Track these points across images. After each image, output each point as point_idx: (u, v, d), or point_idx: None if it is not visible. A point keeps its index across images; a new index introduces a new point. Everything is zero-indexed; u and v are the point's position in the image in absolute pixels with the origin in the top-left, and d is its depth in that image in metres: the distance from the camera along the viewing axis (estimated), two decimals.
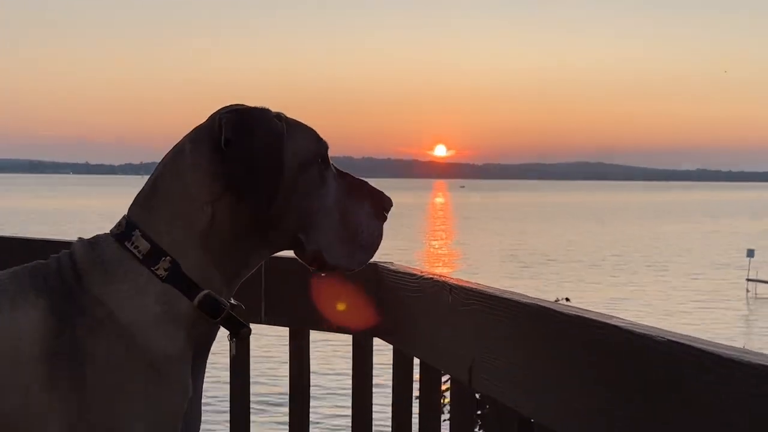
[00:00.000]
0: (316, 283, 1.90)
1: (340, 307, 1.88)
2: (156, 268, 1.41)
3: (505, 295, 1.38)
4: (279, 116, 1.49)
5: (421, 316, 1.66)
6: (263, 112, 1.46)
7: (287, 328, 2.00)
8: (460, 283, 1.49)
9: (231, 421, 2.11)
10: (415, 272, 1.68)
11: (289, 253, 1.84)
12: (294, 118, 1.55)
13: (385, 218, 1.52)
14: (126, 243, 1.42)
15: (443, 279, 1.55)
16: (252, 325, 1.96)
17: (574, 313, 1.21)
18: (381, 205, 1.52)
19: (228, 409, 2.11)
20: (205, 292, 1.42)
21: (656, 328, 1.08)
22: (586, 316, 1.18)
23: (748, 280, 37.14)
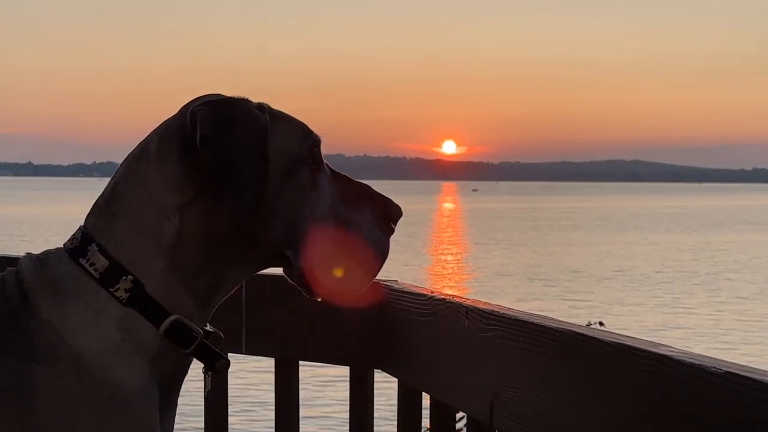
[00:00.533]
0: (306, 305, 1.90)
1: (336, 332, 1.88)
2: (115, 288, 1.39)
3: (532, 319, 1.40)
4: (262, 107, 1.48)
5: (432, 344, 1.67)
6: (243, 103, 1.45)
7: (272, 359, 2.01)
8: (478, 305, 1.50)
9: None
10: (424, 292, 1.69)
11: (276, 271, 1.84)
12: (279, 109, 1.54)
13: (392, 230, 1.50)
14: (81, 259, 1.42)
15: (458, 300, 1.56)
16: (231, 356, 1.98)
17: (613, 339, 1.22)
18: (386, 213, 1.50)
19: None
20: (174, 317, 1.41)
21: (711, 357, 1.08)
22: (629, 343, 1.19)
23: None
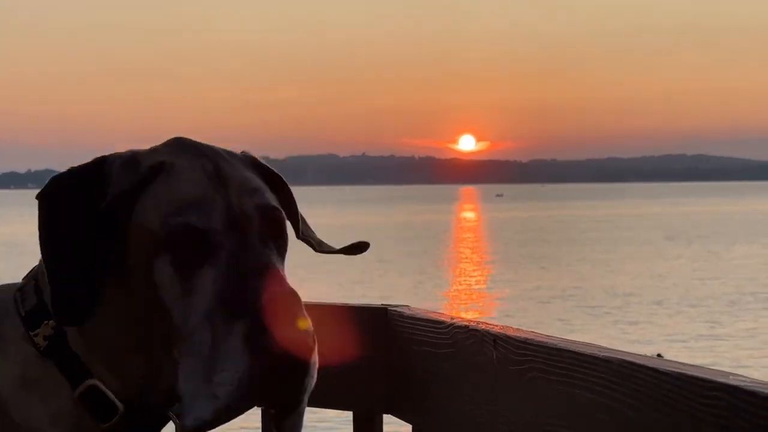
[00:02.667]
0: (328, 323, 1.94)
1: (335, 371, 1.90)
2: (35, 333, 1.43)
3: (575, 348, 1.41)
4: (133, 162, 1.45)
5: (452, 381, 1.67)
6: (83, 173, 1.44)
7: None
8: (509, 332, 1.51)
9: None
10: (443, 319, 1.70)
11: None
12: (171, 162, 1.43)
13: (268, 354, 1.35)
14: (17, 292, 1.47)
15: (484, 327, 1.56)
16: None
17: (673, 369, 1.22)
18: (261, 331, 1.35)
19: None
20: (90, 382, 1.42)
21: None
22: (692, 373, 1.20)
23: None
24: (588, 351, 1.40)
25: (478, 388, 1.61)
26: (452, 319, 1.70)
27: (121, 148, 1.43)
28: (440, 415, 1.77)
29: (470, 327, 1.61)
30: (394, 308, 1.86)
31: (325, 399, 1.94)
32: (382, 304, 1.92)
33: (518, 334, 1.51)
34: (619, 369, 1.32)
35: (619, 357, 1.34)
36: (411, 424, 1.88)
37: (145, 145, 1.47)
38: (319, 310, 1.97)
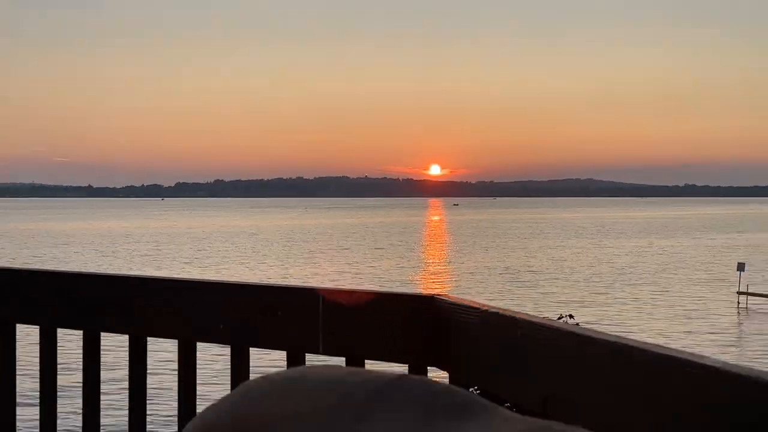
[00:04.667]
0: (371, 314, 1.89)
1: (398, 337, 1.86)
2: None
3: (577, 331, 1.37)
4: None
5: (485, 347, 1.62)
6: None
7: (344, 358, 1.98)
8: (531, 319, 1.45)
9: None
10: (476, 306, 1.65)
11: (345, 285, 1.83)
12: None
13: None
14: None
15: (510, 314, 1.51)
16: (310, 356, 1.96)
17: (651, 350, 1.20)
18: None
19: None
20: None
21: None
22: (667, 353, 1.17)
23: (739, 293, 37.22)
24: (585, 333, 1.36)
25: (505, 353, 1.55)
26: (483, 306, 1.65)
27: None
28: (474, 369, 1.70)
29: (499, 312, 1.55)
30: (439, 296, 1.82)
31: (390, 356, 1.89)
32: (430, 294, 1.86)
33: (536, 320, 1.46)
34: (612, 346, 1.29)
35: (605, 338, 1.31)
36: (448, 373, 1.82)
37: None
38: (382, 296, 1.93)
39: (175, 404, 2.06)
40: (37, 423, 2.15)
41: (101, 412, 2.14)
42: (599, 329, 1.38)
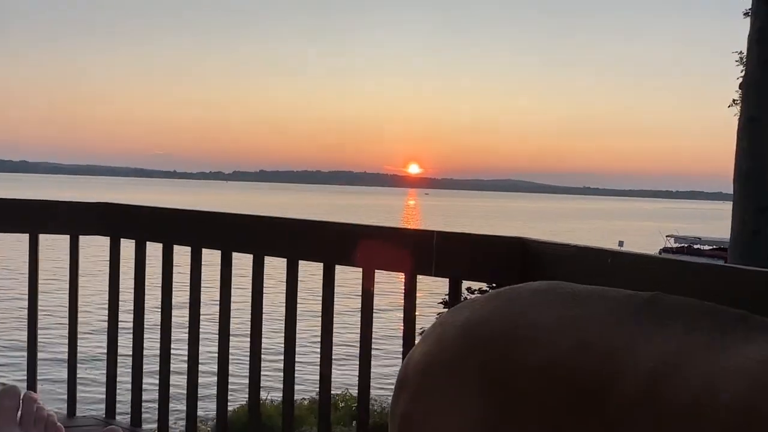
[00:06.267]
0: (472, 248, 1.83)
1: (492, 261, 1.77)
2: None
3: (654, 257, 1.32)
4: None
5: (579, 271, 1.48)
6: None
7: (447, 280, 1.91)
8: (620, 251, 1.41)
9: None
10: (567, 242, 1.57)
11: (456, 228, 1.75)
12: None
13: None
14: None
15: (599, 247, 1.45)
16: (422, 277, 1.90)
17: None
18: None
19: None
20: None
21: None
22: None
23: None
24: (655, 256, 1.31)
25: (596, 273, 1.43)
26: (570, 243, 1.57)
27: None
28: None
29: (590, 247, 1.46)
30: (527, 237, 1.72)
31: (488, 278, 1.83)
32: (518, 236, 1.74)
33: (624, 251, 1.41)
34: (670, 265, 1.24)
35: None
36: None
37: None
38: (479, 237, 1.85)
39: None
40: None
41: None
42: None
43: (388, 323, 8.03)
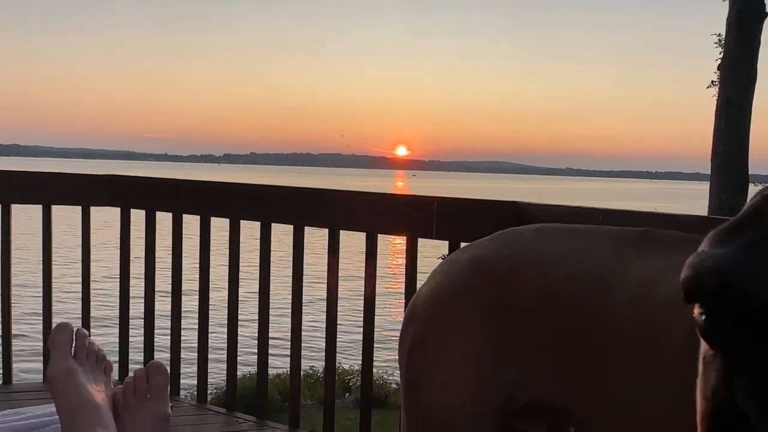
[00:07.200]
0: (471, 212, 1.89)
1: (490, 223, 1.82)
2: None
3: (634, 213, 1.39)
4: None
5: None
6: None
7: (447, 242, 1.96)
8: (609, 207, 1.47)
9: None
10: (561, 204, 1.62)
11: (456, 193, 1.79)
12: None
13: None
14: None
15: (589, 206, 1.51)
16: (423, 240, 1.96)
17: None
18: None
19: None
20: None
21: None
22: None
23: None
24: (644, 211, 1.37)
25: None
26: (562, 204, 1.62)
27: None
28: None
29: (581, 207, 1.53)
30: (521, 201, 1.77)
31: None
32: (513, 200, 1.80)
33: (609, 207, 1.48)
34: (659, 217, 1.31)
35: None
36: None
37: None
38: (478, 201, 1.91)
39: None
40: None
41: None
42: None
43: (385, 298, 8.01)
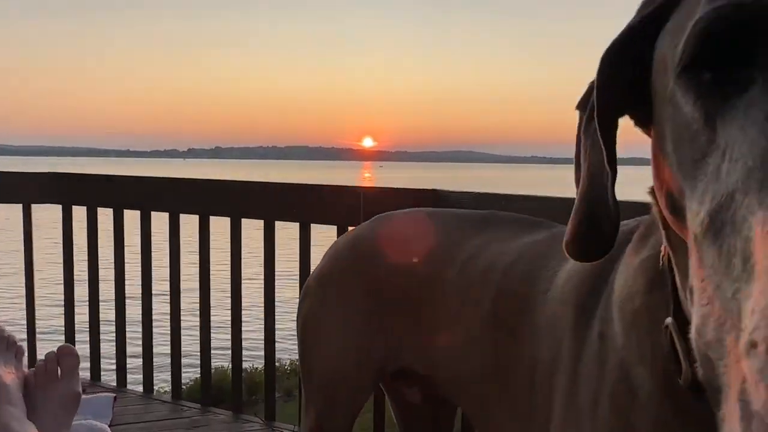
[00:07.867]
0: (395, 200, 1.95)
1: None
2: None
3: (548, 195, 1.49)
4: None
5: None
6: None
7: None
8: (489, 192, 1.55)
9: None
10: (468, 191, 1.70)
11: (420, 183, 1.84)
12: None
13: None
14: None
15: (490, 192, 1.60)
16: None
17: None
18: None
19: None
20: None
21: None
22: None
23: None
24: (544, 195, 1.48)
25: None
26: (473, 191, 1.71)
27: None
28: None
29: (484, 193, 1.62)
30: (440, 189, 1.84)
31: None
32: (432, 188, 1.88)
33: (509, 193, 1.58)
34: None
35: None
36: None
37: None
38: (404, 190, 1.98)
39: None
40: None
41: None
42: None
43: None
